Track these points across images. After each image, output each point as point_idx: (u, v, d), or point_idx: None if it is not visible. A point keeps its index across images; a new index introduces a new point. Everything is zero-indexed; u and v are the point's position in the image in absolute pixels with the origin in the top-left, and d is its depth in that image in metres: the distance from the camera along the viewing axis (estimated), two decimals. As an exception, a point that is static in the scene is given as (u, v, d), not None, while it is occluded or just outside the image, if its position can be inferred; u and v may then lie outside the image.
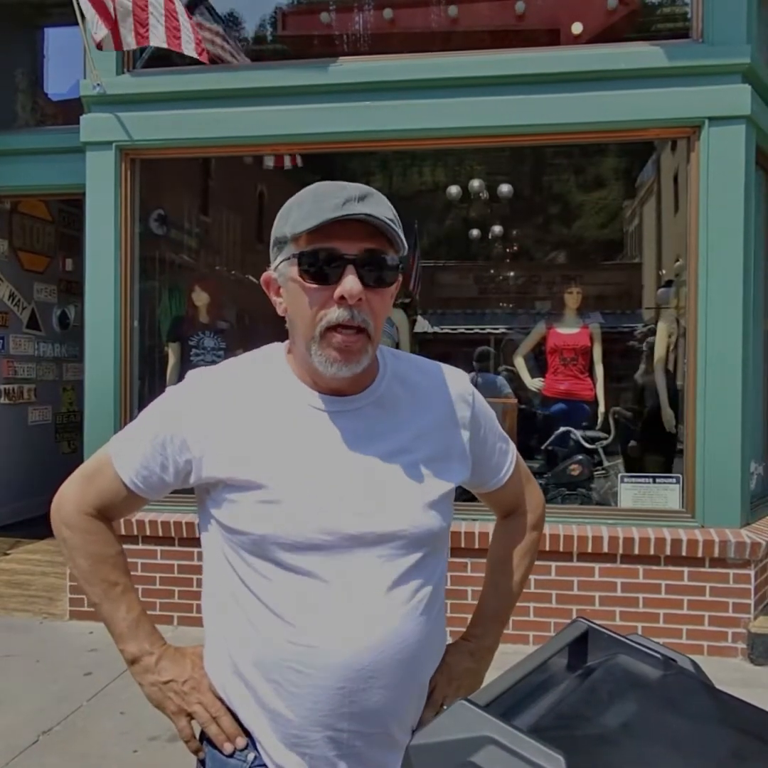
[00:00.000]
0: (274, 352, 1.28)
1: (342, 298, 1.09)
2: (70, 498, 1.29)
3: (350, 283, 1.08)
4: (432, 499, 1.20)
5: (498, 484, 1.39)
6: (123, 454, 1.26)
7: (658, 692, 0.80)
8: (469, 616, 1.42)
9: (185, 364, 5.37)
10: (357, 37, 4.98)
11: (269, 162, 5.54)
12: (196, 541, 5.06)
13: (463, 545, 4.16)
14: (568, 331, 5.43)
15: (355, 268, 1.10)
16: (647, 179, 7.61)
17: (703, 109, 4.12)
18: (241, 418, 1.18)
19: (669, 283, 5.90)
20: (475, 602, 1.44)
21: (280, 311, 1.21)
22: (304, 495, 1.14)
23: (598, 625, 0.84)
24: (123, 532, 4.51)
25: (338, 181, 1.14)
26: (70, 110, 5.05)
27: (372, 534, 1.15)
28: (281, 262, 1.15)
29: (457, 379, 1.32)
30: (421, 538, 1.18)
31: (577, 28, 4.77)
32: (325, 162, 5.76)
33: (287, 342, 1.26)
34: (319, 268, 1.10)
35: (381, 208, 1.10)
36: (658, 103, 4.16)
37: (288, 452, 1.17)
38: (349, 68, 4.47)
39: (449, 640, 1.34)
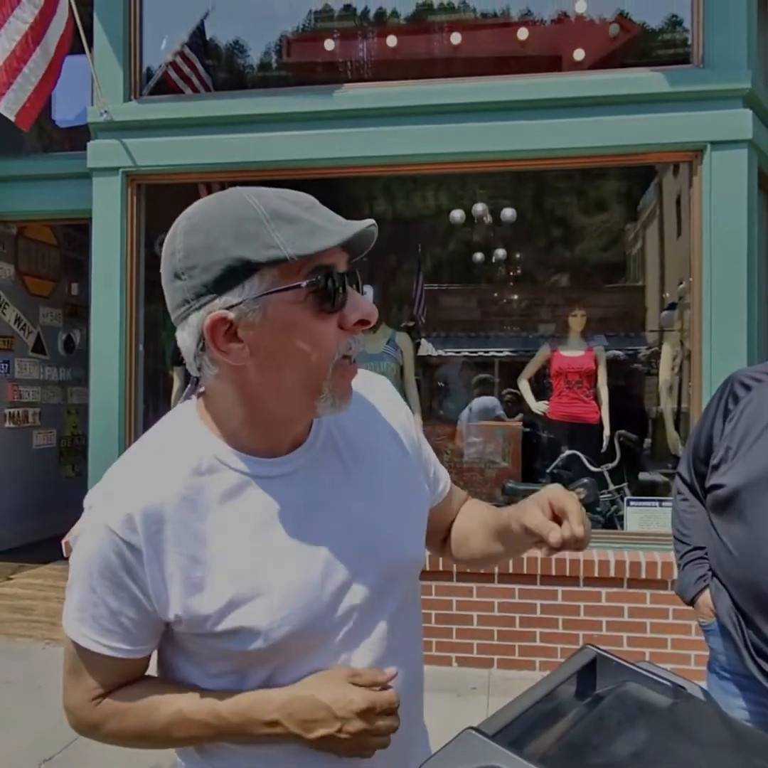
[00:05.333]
0: (184, 423, 1.07)
1: (360, 322, 0.95)
2: (74, 703, 1.06)
3: (367, 301, 0.95)
4: (416, 527, 1.14)
5: (443, 493, 1.27)
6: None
7: (668, 720, 0.79)
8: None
9: (189, 388, 5.37)
10: (361, 63, 5.04)
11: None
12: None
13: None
14: (573, 354, 5.44)
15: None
16: (649, 202, 7.65)
17: (705, 133, 4.15)
18: (180, 533, 0.97)
19: (672, 306, 5.91)
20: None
21: (234, 360, 0.94)
22: (289, 595, 0.98)
23: (607, 652, 0.83)
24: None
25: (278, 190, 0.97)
26: (77, 136, 5.11)
27: (370, 590, 1.04)
28: (261, 294, 0.91)
29: (383, 386, 1.21)
30: (416, 568, 1.13)
31: (579, 54, 4.82)
32: (329, 187, 5.80)
33: (188, 403, 1.10)
34: (333, 291, 0.92)
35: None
36: (660, 128, 4.19)
37: (254, 554, 0.98)
38: (353, 94, 4.52)
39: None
